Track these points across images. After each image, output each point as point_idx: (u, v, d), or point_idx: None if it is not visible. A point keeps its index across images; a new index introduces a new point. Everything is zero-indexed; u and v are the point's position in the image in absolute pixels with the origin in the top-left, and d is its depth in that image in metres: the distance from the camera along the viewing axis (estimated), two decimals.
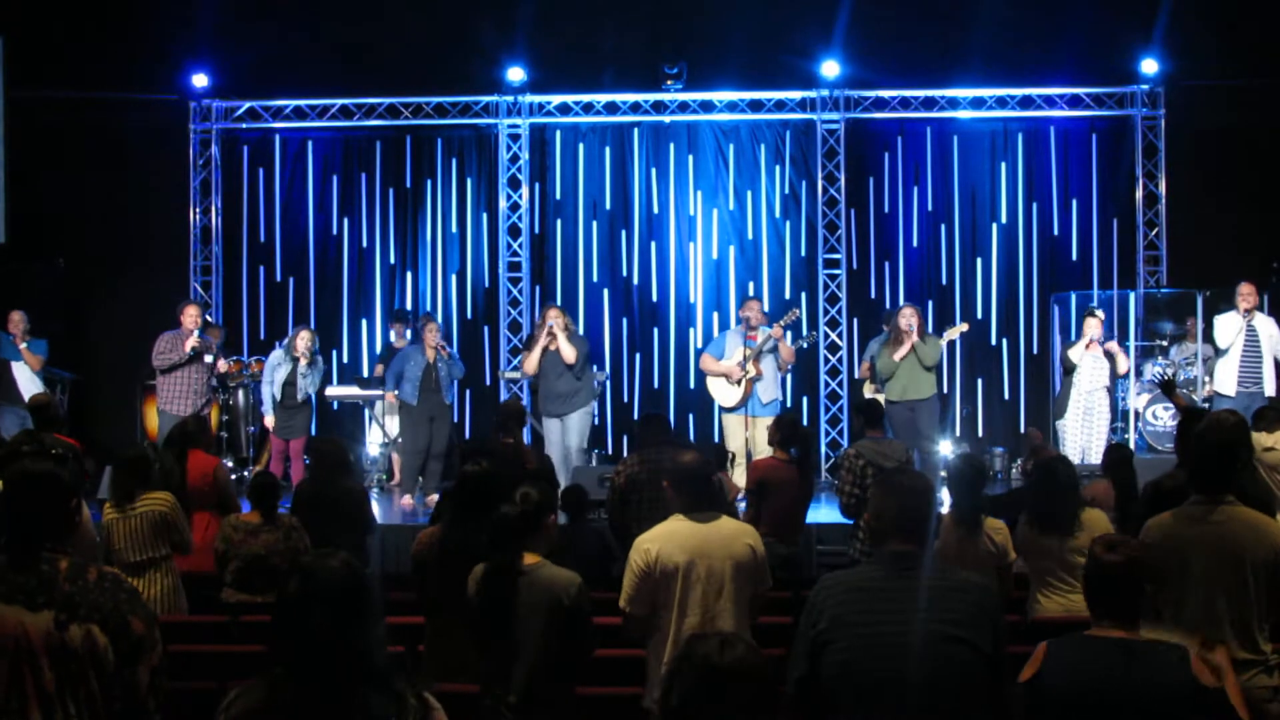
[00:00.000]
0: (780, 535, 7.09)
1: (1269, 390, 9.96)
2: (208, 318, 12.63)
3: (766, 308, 11.88)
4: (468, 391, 12.74)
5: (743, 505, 8.10)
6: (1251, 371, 10.05)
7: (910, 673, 3.21)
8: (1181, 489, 4.92)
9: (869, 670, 3.24)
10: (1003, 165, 12.68)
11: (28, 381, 10.59)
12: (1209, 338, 10.59)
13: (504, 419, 7.63)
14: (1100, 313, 10.60)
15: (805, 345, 10.95)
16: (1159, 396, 11.05)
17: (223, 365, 10.12)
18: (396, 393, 10.47)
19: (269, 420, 10.62)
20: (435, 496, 10.09)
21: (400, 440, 10.84)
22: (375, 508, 10.19)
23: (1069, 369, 10.46)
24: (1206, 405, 10.06)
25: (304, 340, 10.48)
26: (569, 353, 9.87)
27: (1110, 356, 10.34)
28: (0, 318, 10.71)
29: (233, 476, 11.26)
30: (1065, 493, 5.73)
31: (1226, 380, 10.11)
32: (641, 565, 4.28)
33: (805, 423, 11.98)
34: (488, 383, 12.77)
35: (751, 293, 12.38)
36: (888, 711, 3.22)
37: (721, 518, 4.40)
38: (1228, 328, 10.13)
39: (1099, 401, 10.26)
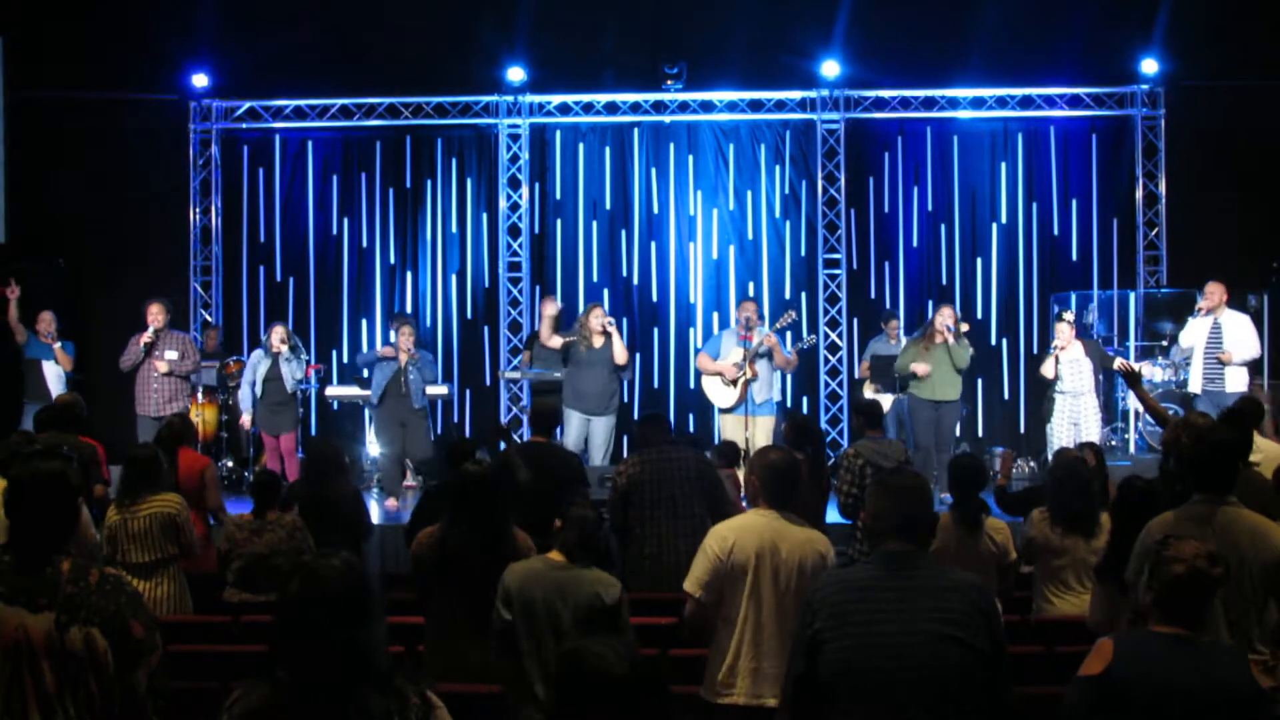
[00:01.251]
0: None
1: (1229, 387, 9.95)
2: (207, 317, 12.68)
3: (766, 308, 11.93)
4: (468, 392, 12.75)
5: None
6: (1214, 370, 10.08)
7: (906, 672, 3.22)
8: (1152, 488, 4.94)
9: (865, 669, 3.25)
10: (1003, 165, 12.68)
11: (54, 380, 10.65)
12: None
13: (545, 419, 7.55)
14: (1069, 315, 10.58)
15: (804, 348, 10.95)
16: (1159, 397, 10.99)
17: (162, 366, 10.16)
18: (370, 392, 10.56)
19: (246, 419, 10.73)
20: None
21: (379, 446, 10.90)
22: (374, 508, 10.25)
23: (1047, 383, 10.44)
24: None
25: (278, 334, 10.57)
26: (621, 355, 9.91)
27: (1093, 357, 10.28)
28: (28, 318, 10.77)
29: (233, 476, 11.39)
30: (1091, 494, 5.73)
31: (1195, 379, 10.21)
32: (717, 552, 4.27)
33: None
34: (488, 383, 12.78)
35: (751, 293, 12.39)
36: (884, 710, 3.23)
37: (802, 521, 4.38)
38: (1191, 328, 10.25)
39: (1085, 405, 10.22)
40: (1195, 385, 10.15)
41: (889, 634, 3.25)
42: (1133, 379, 6.79)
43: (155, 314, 10.24)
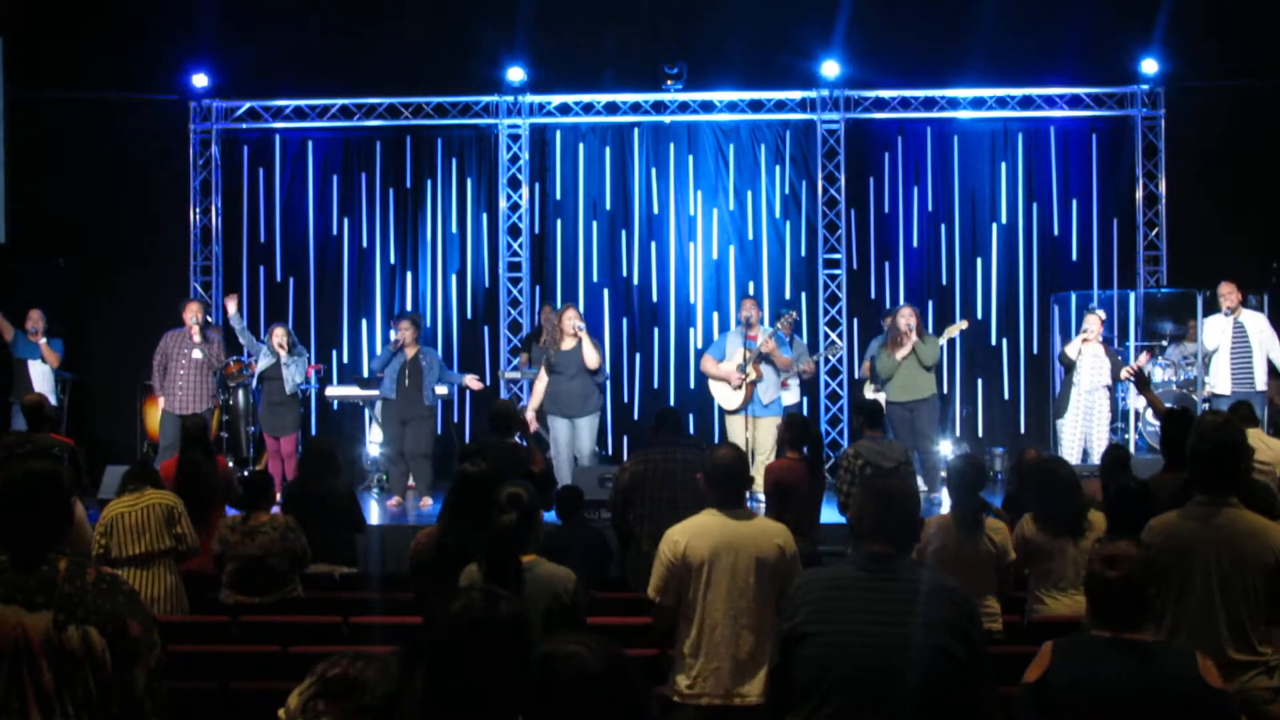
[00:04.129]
0: (803, 534, 7.13)
1: (1260, 385, 9.97)
2: (209, 318, 12.68)
3: (766, 308, 11.93)
4: (468, 392, 12.74)
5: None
6: (1242, 369, 10.08)
7: (880, 674, 3.22)
8: (1147, 489, 4.95)
9: (840, 669, 3.26)
10: (1003, 165, 12.68)
11: (41, 380, 10.70)
12: None
13: (503, 421, 7.64)
14: (1101, 312, 10.62)
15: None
16: (1160, 395, 11.04)
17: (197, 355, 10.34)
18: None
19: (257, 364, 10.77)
20: (429, 500, 10.08)
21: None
22: (374, 507, 10.26)
23: (1068, 366, 10.48)
24: (1206, 405, 10.06)
25: (278, 336, 10.63)
26: (593, 357, 9.79)
27: (1111, 360, 10.32)
28: (15, 317, 10.80)
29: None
30: (1068, 494, 5.72)
31: (1221, 380, 10.17)
32: (669, 557, 4.30)
33: None
34: (488, 383, 12.75)
35: (751, 292, 12.38)
36: (854, 710, 3.24)
37: (756, 516, 4.39)
38: (1213, 329, 10.21)
39: (1099, 401, 10.25)
40: (1223, 386, 10.10)
41: (865, 635, 3.26)
42: (1141, 383, 6.84)
43: (195, 311, 10.40)
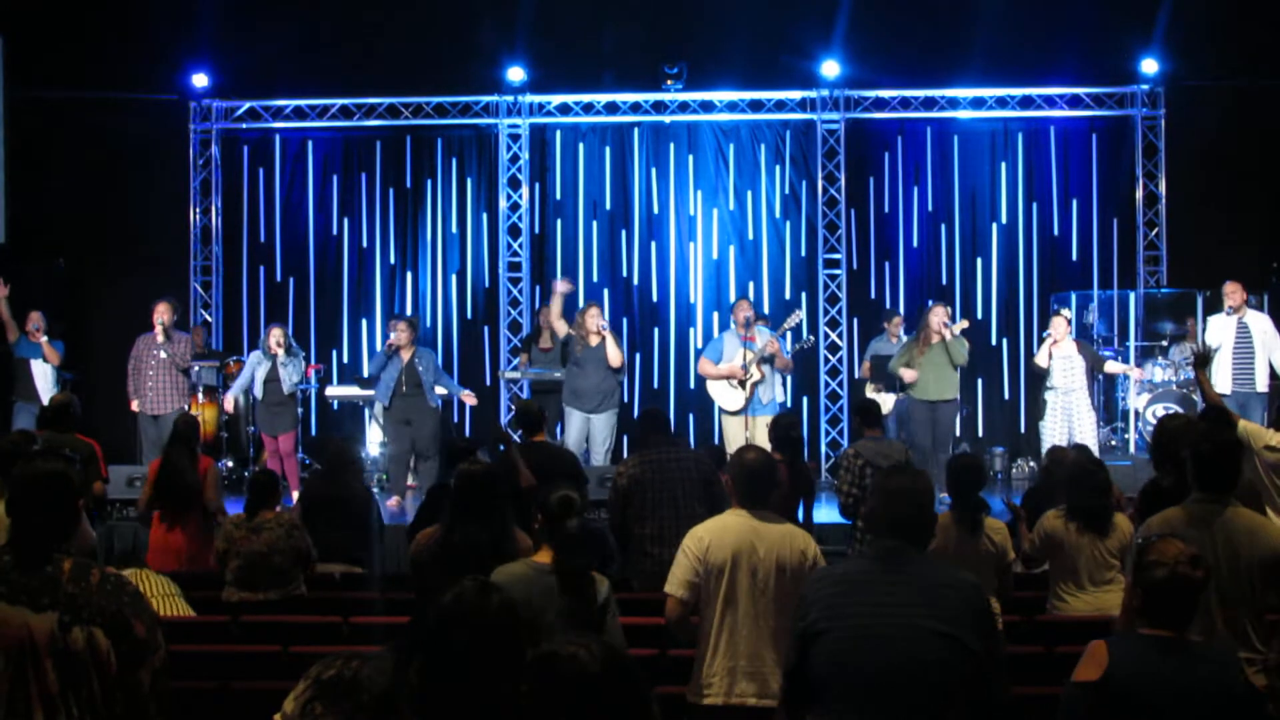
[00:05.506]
0: None
1: (1260, 387, 9.99)
2: (207, 317, 12.69)
3: (766, 308, 11.94)
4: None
5: None
6: (1243, 369, 10.09)
7: (895, 667, 3.23)
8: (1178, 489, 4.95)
9: (855, 663, 3.26)
10: (1003, 165, 12.68)
11: (42, 380, 10.70)
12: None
13: (530, 420, 7.61)
14: (1066, 312, 10.66)
15: (805, 348, 10.96)
16: (1159, 396, 11.05)
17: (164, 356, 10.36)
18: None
19: (228, 402, 10.99)
20: None
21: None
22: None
23: (1039, 374, 10.50)
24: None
25: (275, 336, 10.61)
26: (615, 356, 9.98)
27: (1086, 356, 10.33)
28: (15, 318, 10.82)
29: (233, 476, 11.40)
30: (1101, 493, 5.74)
31: (1222, 379, 10.17)
32: (694, 554, 4.29)
33: (805, 422, 11.99)
34: (488, 383, 12.76)
35: (751, 292, 12.39)
36: (872, 704, 3.24)
37: (782, 520, 4.38)
38: (1216, 327, 10.24)
39: (1077, 403, 10.25)
40: (1223, 385, 10.11)
41: (880, 628, 3.26)
42: (1203, 360, 6.80)
43: (162, 312, 10.32)
